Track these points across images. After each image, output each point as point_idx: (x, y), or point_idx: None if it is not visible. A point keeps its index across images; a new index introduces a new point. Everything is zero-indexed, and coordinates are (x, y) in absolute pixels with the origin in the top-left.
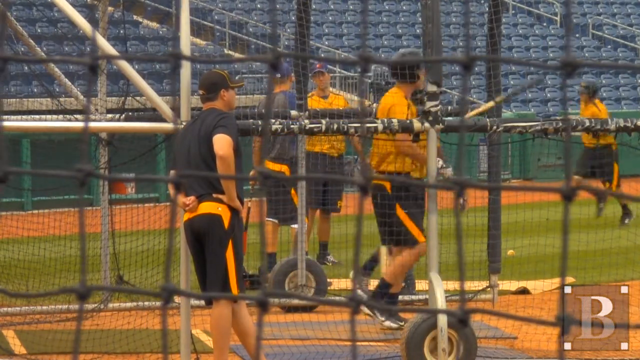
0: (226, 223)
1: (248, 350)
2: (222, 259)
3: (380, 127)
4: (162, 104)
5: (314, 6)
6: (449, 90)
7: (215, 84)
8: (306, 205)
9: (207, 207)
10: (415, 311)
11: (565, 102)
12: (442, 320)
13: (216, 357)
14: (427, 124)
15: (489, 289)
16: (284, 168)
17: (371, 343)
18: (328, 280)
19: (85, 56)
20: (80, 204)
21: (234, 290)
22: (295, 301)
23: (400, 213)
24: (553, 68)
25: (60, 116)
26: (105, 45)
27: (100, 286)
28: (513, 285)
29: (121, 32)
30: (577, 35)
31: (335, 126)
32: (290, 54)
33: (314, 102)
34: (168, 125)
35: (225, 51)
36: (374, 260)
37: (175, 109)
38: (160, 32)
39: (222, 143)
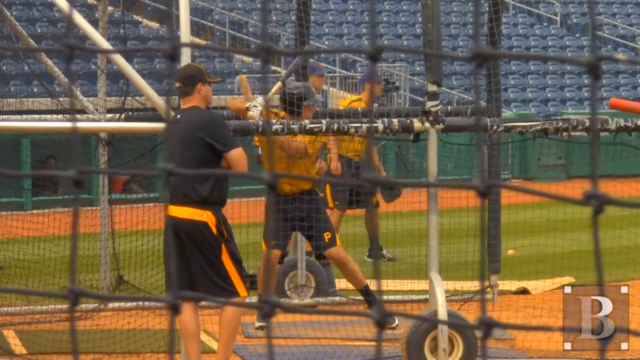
0: (214, 229)
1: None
2: (219, 266)
3: (380, 127)
4: (162, 104)
5: (314, 6)
6: (449, 90)
7: (192, 77)
8: (334, 205)
9: (192, 213)
10: (435, 322)
11: (594, 102)
12: (443, 319)
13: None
14: (427, 124)
15: (488, 289)
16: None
17: (371, 343)
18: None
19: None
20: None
21: (242, 291)
22: (296, 300)
23: None
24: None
25: (60, 116)
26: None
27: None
28: (513, 285)
29: (121, 32)
30: (577, 35)
31: (335, 126)
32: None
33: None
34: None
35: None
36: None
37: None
38: (160, 32)
39: (239, 161)
